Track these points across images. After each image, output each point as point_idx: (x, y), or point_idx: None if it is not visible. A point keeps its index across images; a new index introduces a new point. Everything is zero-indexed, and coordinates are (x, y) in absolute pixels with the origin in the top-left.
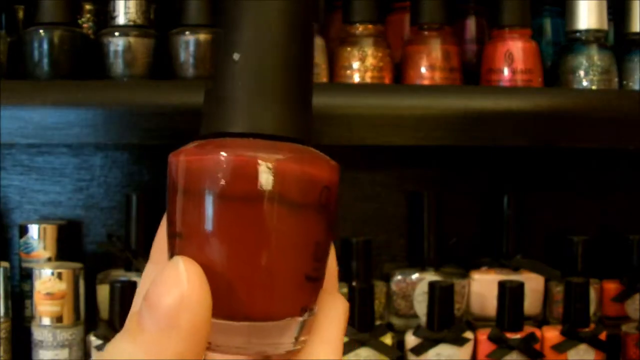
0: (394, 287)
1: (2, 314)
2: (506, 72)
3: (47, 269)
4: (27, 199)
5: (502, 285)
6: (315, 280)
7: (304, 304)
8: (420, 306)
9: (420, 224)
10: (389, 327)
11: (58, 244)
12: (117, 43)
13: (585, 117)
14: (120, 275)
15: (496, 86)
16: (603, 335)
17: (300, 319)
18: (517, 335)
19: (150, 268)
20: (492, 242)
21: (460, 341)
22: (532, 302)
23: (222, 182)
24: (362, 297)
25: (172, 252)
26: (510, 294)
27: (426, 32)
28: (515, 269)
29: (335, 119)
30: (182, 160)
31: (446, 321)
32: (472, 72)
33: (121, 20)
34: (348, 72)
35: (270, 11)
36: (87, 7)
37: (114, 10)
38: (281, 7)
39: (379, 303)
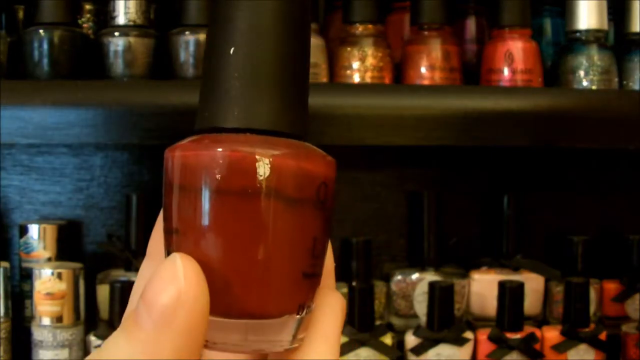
0: (394, 287)
1: (2, 314)
2: (506, 72)
3: (47, 269)
4: (27, 199)
5: (502, 285)
6: (312, 277)
7: (302, 301)
8: (420, 306)
9: (420, 224)
10: (389, 327)
11: (58, 244)
12: (117, 43)
13: (585, 117)
14: (120, 275)
15: (496, 86)
16: (603, 335)
17: (298, 316)
18: (517, 335)
19: (146, 264)
20: (492, 242)
21: (460, 341)
22: (532, 302)
23: (219, 177)
24: (362, 297)
25: (169, 249)
26: (510, 294)
27: (426, 32)
28: (515, 269)
29: (335, 119)
30: (177, 155)
31: (446, 321)
32: (472, 72)
33: (121, 20)
34: (348, 72)
35: (266, 5)
36: (87, 7)
37: (114, 10)
38: (276, 1)
39: (379, 303)
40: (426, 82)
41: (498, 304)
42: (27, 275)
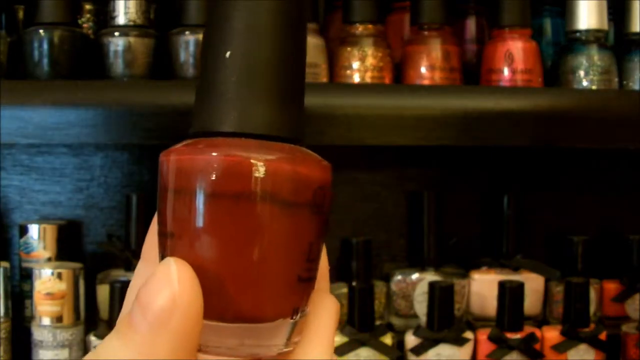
0: (394, 287)
1: (2, 314)
2: (506, 72)
3: (47, 269)
4: (27, 199)
5: (502, 285)
6: (307, 281)
7: (296, 305)
8: (420, 306)
9: (420, 224)
10: (389, 327)
11: (58, 244)
12: (117, 43)
13: (585, 117)
14: (120, 275)
15: (496, 86)
16: (603, 335)
17: (292, 320)
18: (517, 335)
19: (141, 266)
20: (492, 242)
21: (460, 341)
22: (532, 302)
23: (214, 182)
24: (362, 297)
25: (163, 252)
26: (510, 294)
27: (426, 32)
28: (515, 269)
29: (335, 119)
30: (172, 160)
31: (446, 321)
32: (472, 72)
33: (121, 20)
34: (348, 72)
35: (262, 9)
36: (87, 7)
37: (114, 10)
38: (273, 4)
39: (379, 303)
40: (426, 82)
41: (498, 304)
42: (27, 275)
